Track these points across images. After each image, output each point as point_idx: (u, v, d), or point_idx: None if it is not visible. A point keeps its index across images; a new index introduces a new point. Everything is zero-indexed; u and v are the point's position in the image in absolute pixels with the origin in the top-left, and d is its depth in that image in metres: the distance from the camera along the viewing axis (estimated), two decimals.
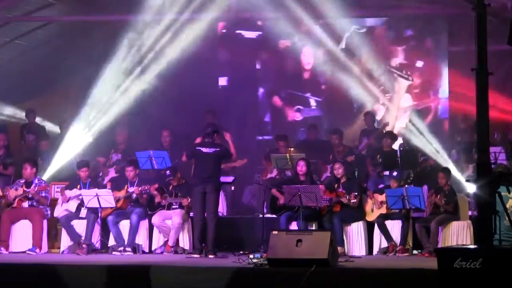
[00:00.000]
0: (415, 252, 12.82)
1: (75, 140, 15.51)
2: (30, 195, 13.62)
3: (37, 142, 16.02)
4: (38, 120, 16.84)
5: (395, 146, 15.14)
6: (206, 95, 16.94)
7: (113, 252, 13.17)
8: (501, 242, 10.04)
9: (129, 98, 15.92)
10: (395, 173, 13.34)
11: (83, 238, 13.24)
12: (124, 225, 13.36)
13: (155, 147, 14.89)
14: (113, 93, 15.96)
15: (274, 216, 13.49)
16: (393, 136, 15.14)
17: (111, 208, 13.28)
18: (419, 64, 17.30)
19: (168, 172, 13.84)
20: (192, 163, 13.14)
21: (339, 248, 12.04)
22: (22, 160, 14.22)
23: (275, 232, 10.90)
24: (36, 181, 13.76)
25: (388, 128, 15.92)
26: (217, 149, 12.74)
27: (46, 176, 14.65)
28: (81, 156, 15.07)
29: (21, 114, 17.07)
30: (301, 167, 13.27)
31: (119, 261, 12.05)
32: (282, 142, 15.28)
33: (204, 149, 12.70)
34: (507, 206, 9.66)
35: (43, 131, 16.64)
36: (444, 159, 14.28)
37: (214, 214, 12.58)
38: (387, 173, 13.95)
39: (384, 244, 13.00)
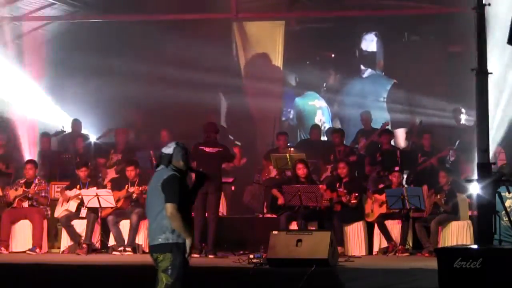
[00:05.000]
0: (415, 252, 12.81)
1: None
2: (30, 195, 13.62)
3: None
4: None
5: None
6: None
7: (113, 252, 13.17)
8: (501, 242, 10.04)
9: None
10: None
11: (83, 238, 13.24)
12: (124, 225, 13.36)
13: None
14: None
15: (274, 216, 13.49)
16: (390, 132, 15.14)
17: (111, 208, 13.29)
18: None
19: None
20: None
21: (339, 248, 12.05)
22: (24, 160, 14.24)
23: (275, 232, 10.91)
24: (36, 181, 13.75)
25: None
26: (220, 149, 12.74)
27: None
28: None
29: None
30: (301, 170, 13.25)
31: (119, 261, 12.05)
32: (282, 137, 15.26)
33: (207, 149, 12.67)
34: (506, 206, 9.66)
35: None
36: None
37: (215, 215, 12.58)
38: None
39: (384, 244, 12.99)
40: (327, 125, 17.67)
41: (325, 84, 18.22)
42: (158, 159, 7.47)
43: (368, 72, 18.12)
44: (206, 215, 12.63)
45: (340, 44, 17.79)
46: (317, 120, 17.61)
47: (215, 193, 12.54)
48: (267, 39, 17.79)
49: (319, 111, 17.78)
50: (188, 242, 7.24)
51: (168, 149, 7.42)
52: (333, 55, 17.97)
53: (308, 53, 17.88)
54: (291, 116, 17.78)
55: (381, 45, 17.90)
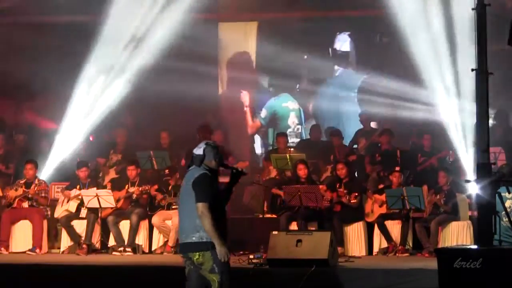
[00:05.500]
0: (415, 252, 12.81)
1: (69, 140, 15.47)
2: (29, 196, 13.62)
3: (26, 142, 15.96)
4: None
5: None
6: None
7: (113, 252, 13.18)
8: (501, 242, 10.04)
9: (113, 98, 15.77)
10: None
11: (83, 238, 13.24)
12: (124, 225, 13.36)
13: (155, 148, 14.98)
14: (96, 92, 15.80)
15: (274, 216, 13.49)
16: (390, 133, 15.13)
17: (111, 208, 13.29)
18: None
19: (167, 171, 13.87)
20: None
21: (339, 248, 12.05)
22: (20, 160, 14.21)
23: (275, 232, 10.91)
24: (36, 181, 13.75)
25: None
26: None
27: (44, 176, 14.62)
28: (77, 155, 15.05)
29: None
30: (302, 171, 13.26)
31: (119, 261, 12.06)
32: (282, 139, 15.28)
33: None
34: (506, 206, 9.65)
35: (31, 130, 16.60)
36: None
37: None
38: None
39: (384, 244, 12.99)
40: (300, 127, 17.68)
41: (298, 85, 18.17)
42: (190, 161, 7.44)
43: (339, 71, 18.04)
44: None
45: (313, 44, 17.67)
46: (290, 122, 17.58)
47: None
48: (240, 40, 17.75)
49: (292, 113, 17.76)
50: (217, 247, 7.16)
51: (199, 150, 7.40)
52: (305, 57, 17.88)
53: (281, 54, 17.70)
54: (263, 116, 17.80)
55: (354, 45, 17.81)
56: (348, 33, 17.66)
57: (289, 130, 16.75)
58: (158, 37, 15.40)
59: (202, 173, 7.31)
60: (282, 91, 17.82)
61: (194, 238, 7.20)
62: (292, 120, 17.68)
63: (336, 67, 17.91)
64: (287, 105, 17.80)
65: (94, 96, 15.58)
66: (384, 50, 17.07)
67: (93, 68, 15.44)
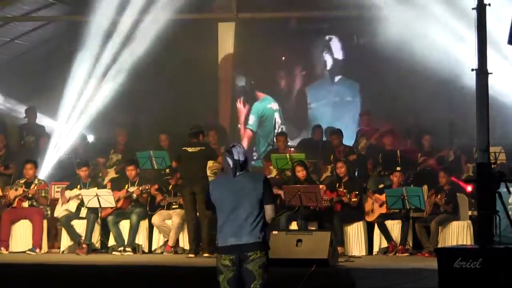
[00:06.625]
0: (415, 252, 12.80)
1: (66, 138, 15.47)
2: (29, 195, 13.62)
3: (37, 143, 15.97)
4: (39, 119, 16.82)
5: None
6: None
7: (113, 252, 13.18)
8: (501, 242, 10.04)
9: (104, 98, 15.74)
10: None
11: (83, 238, 13.25)
12: (124, 225, 13.36)
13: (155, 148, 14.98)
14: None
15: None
16: (394, 133, 15.11)
17: (111, 208, 13.29)
18: None
19: (167, 171, 13.87)
20: None
21: (339, 248, 12.04)
22: (24, 160, 14.20)
23: (275, 232, 10.90)
24: (36, 181, 13.76)
25: None
26: (202, 147, 12.79)
27: (43, 175, 14.62)
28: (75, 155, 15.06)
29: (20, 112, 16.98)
30: (301, 173, 13.25)
31: (119, 261, 12.06)
32: (282, 137, 15.28)
33: (189, 149, 12.73)
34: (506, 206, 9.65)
35: (43, 131, 16.60)
36: None
37: (205, 214, 12.59)
38: None
39: (384, 244, 13.00)
40: (283, 128, 17.73)
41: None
42: (238, 166, 7.39)
43: (338, 77, 18.03)
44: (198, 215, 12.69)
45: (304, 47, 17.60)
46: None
47: (203, 193, 12.55)
48: (219, 39, 17.76)
49: (276, 113, 17.87)
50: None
51: (242, 156, 7.44)
52: (283, 58, 17.80)
53: (258, 55, 17.61)
54: (251, 123, 17.83)
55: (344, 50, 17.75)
56: (336, 38, 17.54)
57: (275, 131, 16.81)
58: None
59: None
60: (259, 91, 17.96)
61: (258, 239, 7.36)
62: (277, 120, 17.79)
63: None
64: (271, 106, 17.91)
65: (88, 95, 15.61)
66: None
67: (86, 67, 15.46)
